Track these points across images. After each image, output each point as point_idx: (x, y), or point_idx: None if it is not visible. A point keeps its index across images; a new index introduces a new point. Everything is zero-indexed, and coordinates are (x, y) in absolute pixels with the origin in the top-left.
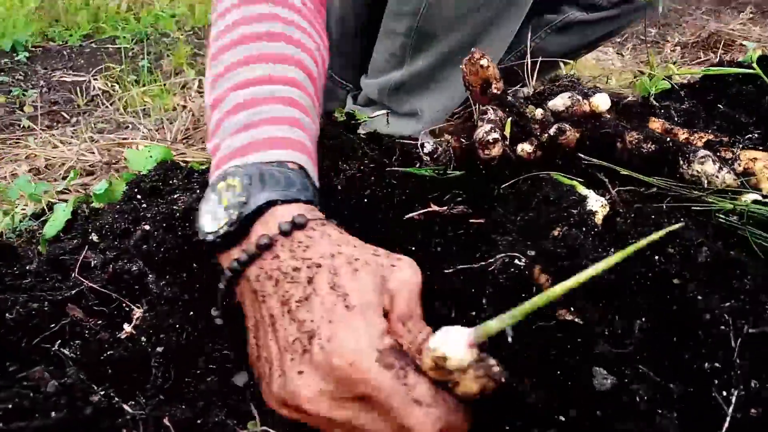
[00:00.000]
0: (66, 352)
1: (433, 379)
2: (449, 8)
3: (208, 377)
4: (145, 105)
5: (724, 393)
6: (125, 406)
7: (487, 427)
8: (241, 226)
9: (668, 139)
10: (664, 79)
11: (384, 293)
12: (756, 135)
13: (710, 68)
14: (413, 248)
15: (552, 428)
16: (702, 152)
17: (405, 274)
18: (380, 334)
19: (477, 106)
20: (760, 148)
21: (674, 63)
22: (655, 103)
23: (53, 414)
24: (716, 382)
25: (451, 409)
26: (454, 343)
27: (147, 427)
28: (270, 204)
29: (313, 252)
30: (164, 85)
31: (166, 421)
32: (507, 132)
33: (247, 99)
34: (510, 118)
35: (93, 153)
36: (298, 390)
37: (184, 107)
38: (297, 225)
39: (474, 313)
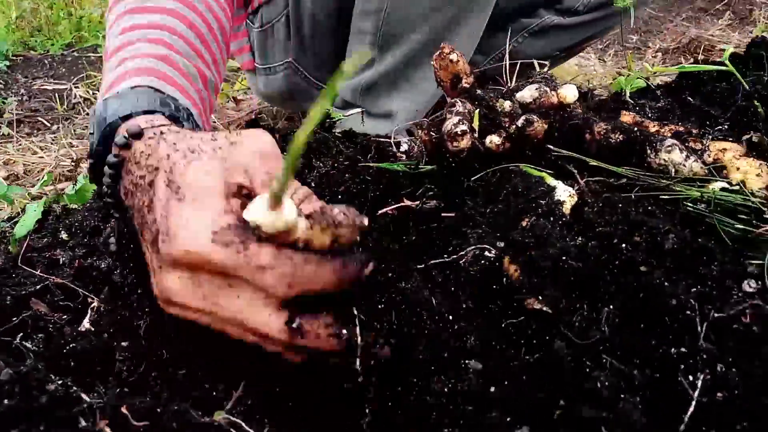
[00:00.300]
0: (27, 345)
1: (285, 244)
2: (411, 6)
3: (176, 371)
4: None
5: (690, 378)
6: (83, 395)
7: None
8: (99, 155)
9: (636, 129)
10: (640, 78)
11: (232, 172)
12: (726, 127)
13: (685, 66)
14: (387, 243)
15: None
16: (669, 141)
17: (250, 143)
18: (216, 216)
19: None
20: (730, 139)
21: (653, 65)
22: (629, 100)
23: (5, 401)
24: (682, 367)
25: (300, 264)
26: (257, 210)
27: (104, 415)
28: (112, 127)
29: (152, 158)
30: None
31: (124, 409)
32: (476, 124)
33: (121, 42)
34: (478, 110)
35: (72, 159)
36: (165, 286)
37: None
38: (133, 135)
39: (450, 305)
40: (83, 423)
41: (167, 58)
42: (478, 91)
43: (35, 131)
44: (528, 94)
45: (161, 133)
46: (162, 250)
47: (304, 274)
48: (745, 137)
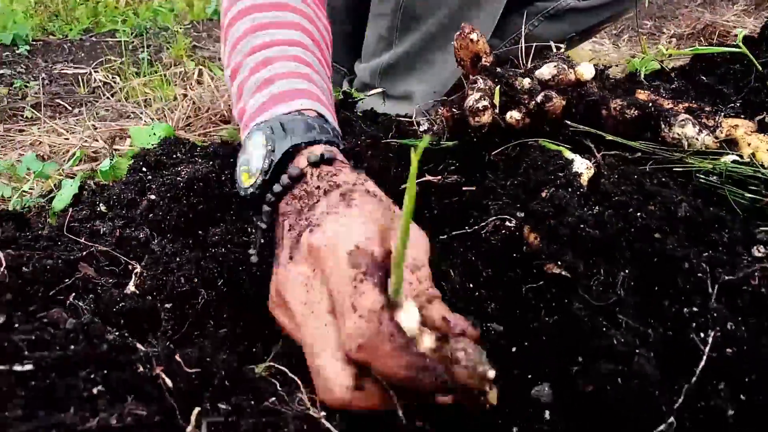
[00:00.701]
0: (80, 303)
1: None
2: None
3: (217, 330)
4: (146, 95)
5: (701, 335)
6: (138, 345)
7: None
8: (274, 173)
9: (650, 105)
10: (654, 60)
11: (388, 233)
12: (738, 104)
13: (698, 48)
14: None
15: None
16: (682, 116)
17: (416, 232)
18: (366, 237)
19: (468, 80)
20: (742, 116)
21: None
22: (643, 81)
23: (72, 347)
24: (694, 325)
25: (381, 337)
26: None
27: (159, 362)
28: (296, 148)
29: (337, 177)
30: (164, 75)
31: (177, 357)
32: (496, 100)
33: (259, 61)
34: (498, 87)
35: (97, 141)
36: (280, 276)
37: (185, 96)
38: (325, 159)
39: (471, 274)
40: (141, 369)
41: (310, 77)
42: (498, 69)
43: (57, 114)
44: (547, 71)
45: (349, 166)
46: (304, 237)
47: (375, 344)
48: (758, 118)
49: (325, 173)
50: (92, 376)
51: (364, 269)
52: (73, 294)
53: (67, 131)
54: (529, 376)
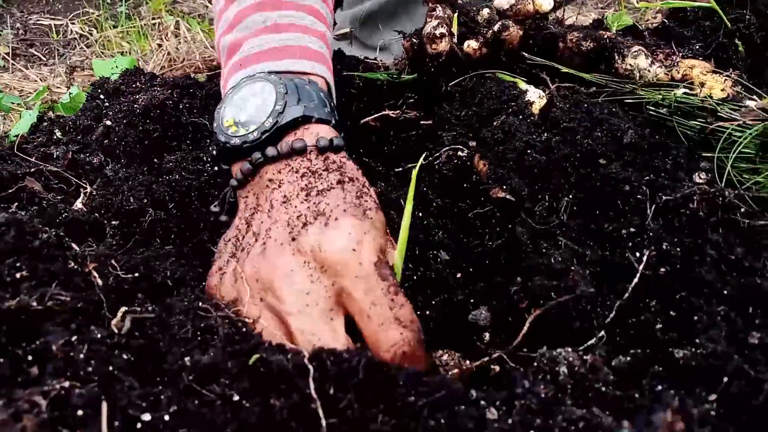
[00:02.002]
0: (22, 213)
1: None
2: None
3: (164, 247)
4: (121, 48)
5: (637, 254)
6: (74, 245)
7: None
8: (273, 134)
9: (606, 36)
10: (628, 16)
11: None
12: (698, 47)
13: (669, 1)
14: (368, 151)
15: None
16: (636, 47)
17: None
18: (383, 250)
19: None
20: (700, 58)
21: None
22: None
23: (2, 238)
24: (630, 244)
25: (419, 339)
26: None
27: (92, 261)
28: (305, 119)
29: (348, 172)
30: (141, 27)
31: (114, 261)
32: (454, 29)
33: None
34: (456, 15)
35: (68, 87)
36: (278, 259)
37: (160, 46)
38: (335, 147)
39: (423, 204)
40: (72, 264)
41: (324, 37)
42: (459, 1)
43: (30, 64)
44: (505, 1)
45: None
46: (316, 230)
47: (416, 348)
48: (725, 74)
49: (332, 162)
50: (18, 264)
51: (392, 280)
52: (16, 204)
53: (40, 79)
54: (471, 300)
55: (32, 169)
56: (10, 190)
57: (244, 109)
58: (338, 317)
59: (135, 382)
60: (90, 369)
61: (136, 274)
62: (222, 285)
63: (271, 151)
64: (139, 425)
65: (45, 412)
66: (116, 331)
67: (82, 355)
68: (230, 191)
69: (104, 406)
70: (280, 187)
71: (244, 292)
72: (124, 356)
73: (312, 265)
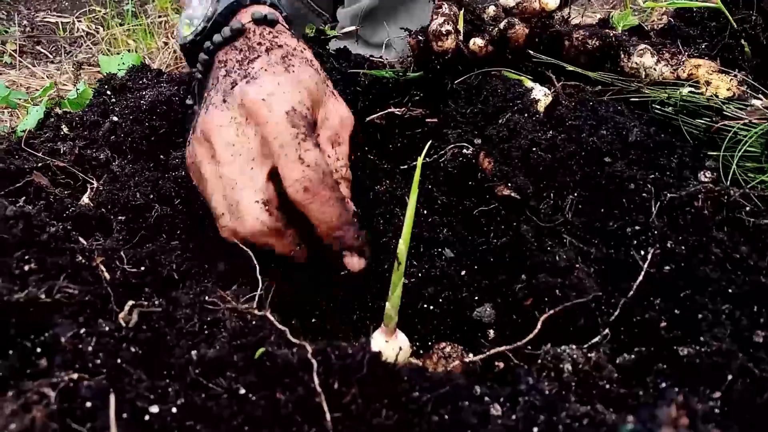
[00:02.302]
0: (29, 207)
1: None
2: None
3: (170, 242)
4: (128, 45)
5: (642, 252)
6: (81, 239)
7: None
8: (215, 24)
9: (612, 35)
10: (634, 17)
11: (319, 104)
12: (704, 47)
13: (675, 1)
14: (374, 148)
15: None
16: (642, 45)
17: (343, 110)
18: (300, 102)
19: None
20: (706, 57)
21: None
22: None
23: (11, 231)
24: (635, 242)
25: (324, 186)
26: (377, 343)
27: (99, 255)
28: (239, 3)
29: (279, 39)
30: (147, 26)
31: (121, 254)
32: (460, 26)
33: None
34: (462, 12)
35: (75, 83)
36: (213, 116)
37: (166, 44)
38: (269, 20)
39: (427, 202)
40: (80, 258)
41: None
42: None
43: (37, 61)
44: None
45: (291, 31)
46: (241, 87)
47: (320, 188)
48: (731, 74)
49: (267, 33)
50: (26, 257)
51: (303, 130)
52: (24, 198)
53: (46, 76)
54: (476, 297)
55: (39, 164)
56: (17, 185)
57: (192, 7)
58: (260, 167)
59: (143, 375)
60: (98, 362)
61: (143, 268)
62: (188, 151)
63: (216, 37)
64: (146, 417)
65: (54, 404)
66: (123, 324)
67: (90, 348)
68: (196, 83)
69: (112, 398)
70: (225, 65)
71: (197, 150)
72: (132, 349)
73: (238, 120)
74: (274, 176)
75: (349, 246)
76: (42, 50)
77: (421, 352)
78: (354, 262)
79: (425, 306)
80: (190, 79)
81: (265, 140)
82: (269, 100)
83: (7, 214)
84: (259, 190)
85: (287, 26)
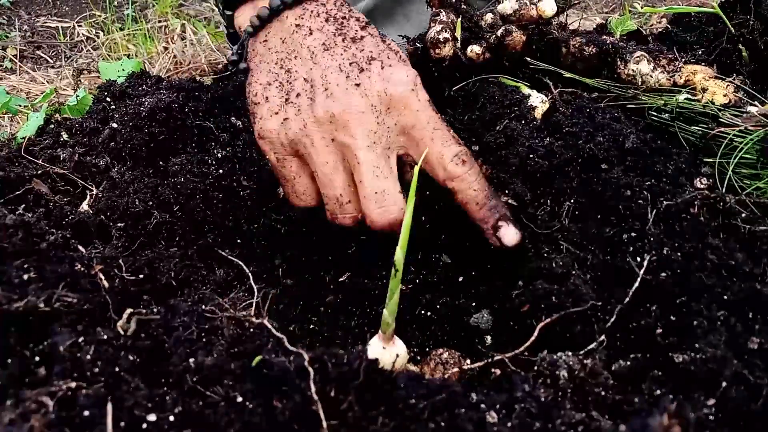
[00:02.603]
0: (29, 216)
1: None
2: None
3: (168, 249)
4: (128, 50)
5: (638, 259)
6: (80, 247)
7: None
8: None
9: (609, 41)
10: (632, 22)
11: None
12: (701, 53)
13: (674, 6)
14: None
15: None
16: (638, 53)
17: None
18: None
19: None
20: (703, 63)
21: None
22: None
23: (9, 240)
24: (631, 249)
25: (472, 155)
26: (374, 350)
27: (98, 263)
28: None
29: (355, 14)
30: (147, 31)
31: (120, 262)
32: (458, 33)
33: None
34: (460, 20)
35: (75, 90)
36: (351, 101)
37: (166, 49)
38: None
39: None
40: (79, 266)
41: None
42: (463, 6)
43: (37, 66)
44: (508, 6)
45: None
46: (377, 75)
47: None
48: (728, 80)
49: (341, 4)
50: (26, 266)
51: (441, 116)
52: (23, 206)
53: (47, 81)
54: (473, 304)
55: (39, 171)
56: (17, 192)
57: None
58: (393, 155)
59: (140, 383)
60: (96, 370)
61: (141, 276)
62: (286, 128)
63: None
64: (144, 426)
65: (52, 413)
66: (122, 332)
67: (88, 357)
68: (246, 36)
69: (110, 407)
70: (312, 33)
71: (315, 132)
72: (130, 357)
73: (378, 108)
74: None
75: (504, 215)
76: (42, 55)
77: (419, 358)
78: (512, 232)
79: (423, 312)
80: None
81: (410, 126)
82: (416, 89)
83: (6, 223)
84: (393, 176)
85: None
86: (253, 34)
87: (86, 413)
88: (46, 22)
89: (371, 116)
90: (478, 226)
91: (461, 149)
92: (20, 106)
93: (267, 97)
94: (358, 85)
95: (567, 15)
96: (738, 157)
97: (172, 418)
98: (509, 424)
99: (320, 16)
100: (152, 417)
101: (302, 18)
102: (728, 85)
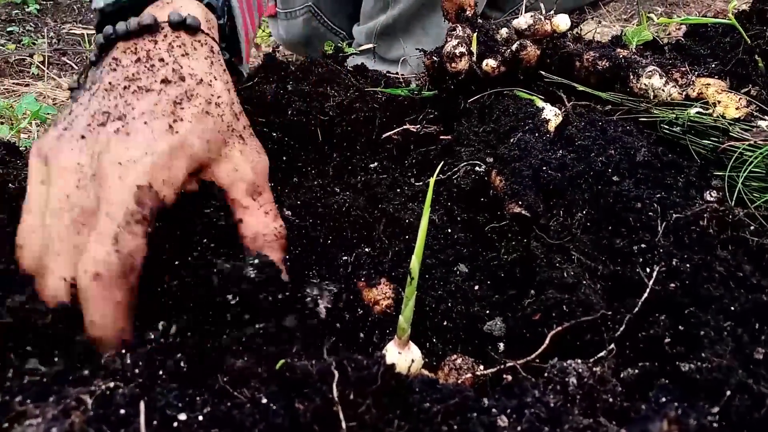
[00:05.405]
0: None
1: None
2: None
3: None
4: None
5: (647, 270)
6: None
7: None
8: (135, 4)
9: (621, 56)
10: (648, 32)
11: (218, 160)
12: (715, 64)
13: (689, 18)
14: (390, 164)
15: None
16: (650, 67)
17: (253, 155)
18: (167, 179)
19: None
20: (716, 76)
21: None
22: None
23: None
24: (641, 260)
25: (120, 272)
26: (390, 354)
27: None
28: None
29: (188, 62)
30: None
31: None
32: (474, 48)
33: None
34: (476, 35)
35: None
36: (62, 144)
37: None
38: (188, 26)
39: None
40: None
41: None
42: (479, 21)
43: (63, 72)
44: (523, 21)
45: (212, 45)
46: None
47: None
48: (743, 90)
49: (179, 46)
50: None
51: (143, 214)
52: None
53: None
54: (487, 311)
55: None
56: None
57: None
58: (85, 231)
59: (173, 384)
60: (136, 371)
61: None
62: (35, 148)
63: (120, 26)
64: (175, 424)
65: (91, 410)
66: (162, 336)
67: (128, 360)
68: (89, 67)
69: (142, 405)
70: (114, 70)
71: (33, 166)
72: (167, 360)
73: (86, 170)
74: None
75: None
76: (68, 61)
77: (434, 363)
78: None
79: (438, 319)
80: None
81: (99, 209)
82: (124, 171)
83: None
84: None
85: (213, 34)
86: (94, 63)
87: (122, 411)
88: (71, 30)
89: (72, 177)
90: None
91: (104, 258)
92: (48, 114)
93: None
94: (84, 137)
95: (582, 26)
96: (747, 171)
97: (200, 417)
98: (519, 429)
99: (137, 54)
100: (183, 416)
101: (124, 53)
102: (741, 99)
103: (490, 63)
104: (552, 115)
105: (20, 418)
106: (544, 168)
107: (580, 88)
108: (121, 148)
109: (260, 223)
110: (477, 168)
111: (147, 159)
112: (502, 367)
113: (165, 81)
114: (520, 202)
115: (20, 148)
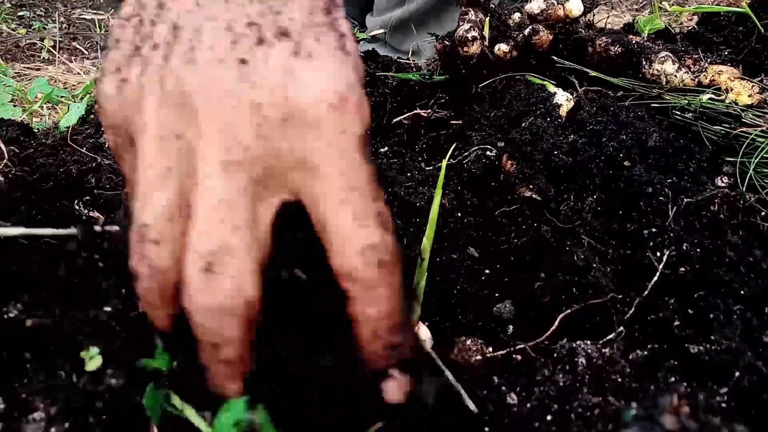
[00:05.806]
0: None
1: None
2: None
3: None
4: None
5: (657, 254)
6: None
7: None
8: None
9: (634, 42)
10: (660, 21)
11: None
12: (728, 52)
13: (702, 6)
14: (401, 148)
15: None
16: (663, 53)
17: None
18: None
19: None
20: (728, 63)
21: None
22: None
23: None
24: (651, 244)
25: (395, 255)
26: None
27: None
28: None
29: None
30: None
31: None
32: (486, 32)
33: None
34: (488, 19)
35: None
36: (217, 80)
37: None
38: None
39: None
40: None
41: None
42: (492, 5)
43: (74, 57)
44: (536, 5)
45: None
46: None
47: None
48: (756, 79)
49: None
50: None
51: (373, 169)
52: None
53: (83, 72)
54: (497, 295)
55: (93, 164)
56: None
57: None
58: (268, 199)
59: None
60: None
61: None
62: (121, 99)
63: None
64: None
65: None
66: None
67: None
68: None
69: None
70: None
71: (152, 110)
72: None
73: (266, 113)
74: None
75: (400, 362)
76: (78, 46)
77: (444, 345)
78: (397, 391)
79: (448, 301)
80: None
81: (310, 164)
82: (341, 108)
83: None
84: (262, 241)
85: None
86: None
87: None
88: (81, 15)
89: (244, 122)
90: (358, 352)
91: (383, 239)
92: (61, 97)
93: (120, 39)
94: (243, 61)
95: (594, 13)
96: (759, 157)
97: None
98: (528, 406)
99: None
100: None
101: None
102: (753, 85)
103: (502, 47)
104: (564, 100)
105: None
106: (555, 152)
107: (593, 73)
108: (321, 82)
109: None
110: (488, 152)
111: (354, 89)
112: (512, 349)
113: None
114: (531, 186)
115: (33, 130)
